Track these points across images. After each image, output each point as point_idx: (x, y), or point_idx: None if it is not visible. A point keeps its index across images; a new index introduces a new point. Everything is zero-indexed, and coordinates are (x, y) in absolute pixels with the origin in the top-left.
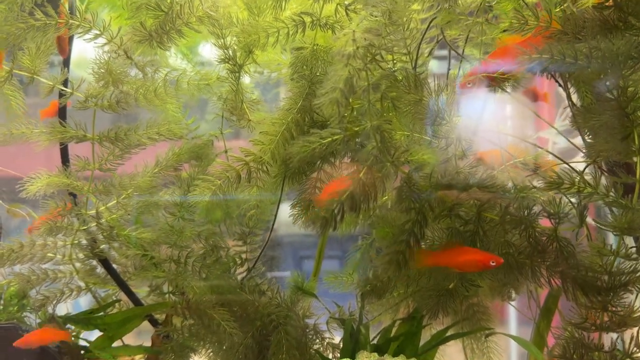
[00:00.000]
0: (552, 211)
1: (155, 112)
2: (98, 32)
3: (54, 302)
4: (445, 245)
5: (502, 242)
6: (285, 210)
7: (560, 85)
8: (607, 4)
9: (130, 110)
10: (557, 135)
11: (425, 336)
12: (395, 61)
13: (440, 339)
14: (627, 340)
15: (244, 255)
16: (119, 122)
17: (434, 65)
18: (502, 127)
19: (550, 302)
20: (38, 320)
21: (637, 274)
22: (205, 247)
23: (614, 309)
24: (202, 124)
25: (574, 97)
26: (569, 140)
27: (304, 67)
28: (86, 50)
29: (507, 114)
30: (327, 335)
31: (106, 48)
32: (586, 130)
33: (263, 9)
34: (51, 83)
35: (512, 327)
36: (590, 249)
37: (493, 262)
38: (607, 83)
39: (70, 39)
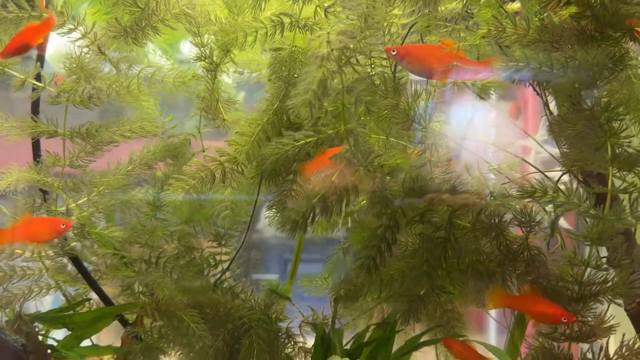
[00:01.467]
0: (523, 219)
1: (131, 109)
2: (72, 27)
3: (22, 300)
4: (525, 291)
5: (473, 250)
6: (263, 212)
7: (537, 93)
8: (584, 14)
9: (104, 106)
10: (541, 143)
11: (400, 342)
12: (374, 65)
13: (413, 345)
14: (597, 351)
15: (218, 257)
16: (105, 119)
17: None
18: (484, 135)
19: None
20: (5, 318)
21: (608, 285)
22: (179, 247)
23: (584, 319)
24: (184, 122)
25: (552, 107)
26: (546, 150)
27: (282, 68)
28: (64, 45)
29: (491, 122)
30: (300, 339)
31: (80, 43)
32: (562, 140)
33: (243, 8)
34: (22, 77)
35: (492, 334)
36: (562, 259)
37: (565, 319)
38: (582, 93)
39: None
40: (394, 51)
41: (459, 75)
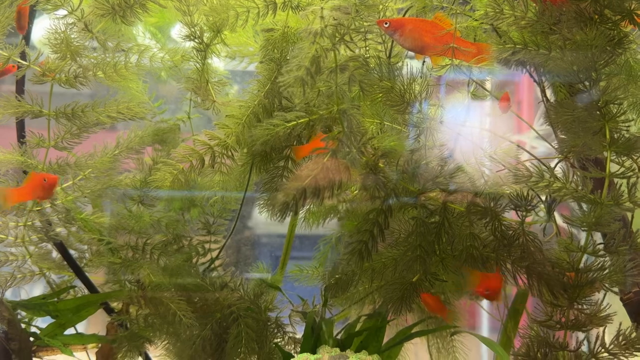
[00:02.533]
0: (518, 202)
1: (120, 93)
2: (58, 3)
3: (4, 287)
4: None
5: (468, 235)
6: (253, 201)
7: (534, 80)
8: None
9: (92, 88)
10: (535, 139)
11: (392, 334)
12: (368, 48)
13: (405, 336)
14: (593, 340)
15: (207, 246)
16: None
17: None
18: (480, 122)
19: (518, 303)
20: None
21: (604, 272)
22: (166, 234)
23: (580, 307)
24: (176, 113)
25: (549, 93)
26: (547, 141)
27: (274, 49)
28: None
29: (486, 111)
30: (289, 329)
31: (67, 21)
32: (559, 126)
33: None
34: (6, 54)
35: (484, 327)
36: (558, 245)
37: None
38: (581, 76)
39: (32, 15)
40: (386, 23)
41: (452, 54)
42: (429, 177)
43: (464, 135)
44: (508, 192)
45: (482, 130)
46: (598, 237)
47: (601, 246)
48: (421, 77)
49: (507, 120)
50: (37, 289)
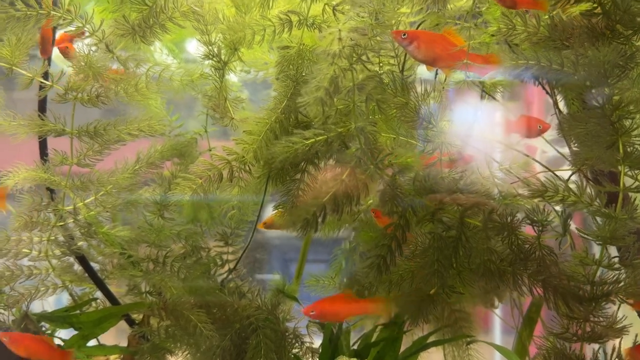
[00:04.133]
0: (535, 219)
1: (138, 107)
2: (80, 25)
3: (29, 300)
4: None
5: (485, 249)
6: (270, 212)
7: (547, 92)
8: (595, 11)
9: (115, 106)
10: (546, 143)
11: (407, 342)
12: (382, 64)
13: (421, 346)
14: (609, 352)
15: (225, 256)
16: (108, 118)
17: (422, 70)
18: (490, 133)
19: (532, 311)
20: (12, 318)
21: (620, 284)
22: (186, 247)
23: (595, 319)
24: (189, 121)
25: (561, 105)
26: (555, 149)
27: (290, 66)
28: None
29: (497, 121)
30: (306, 339)
31: (88, 41)
32: (572, 138)
33: (250, 6)
34: (30, 75)
35: (496, 334)
36: (573, 258)
37: None
38: (593, 91)
39: (53, 33)
40: (403, 34)
41: (464, 67)
42: (445, 191)
43: (478, 147)
44: (523, 203)
45: (495, 141)
46: (612, 248)
47: (616, 259)
48: (434, 90)
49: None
50: (50, 302)
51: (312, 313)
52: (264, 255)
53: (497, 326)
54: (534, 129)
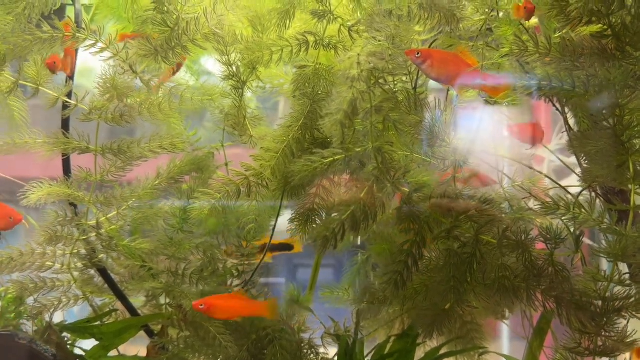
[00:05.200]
0: (548, 236)
1: (158, 124)
2: (104, 46)
3: (51, 311)
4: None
5: (499, 265)
6: (285, 224)
7: (558, 110)
8: (605, 33)
9: (134, 124)
10: (553, 154)
11: (419, 353)
12: (395, 82)
13: (434, 357)
14: None
15: (241, 268)
16: (118, 132)
17: (433, 86)
18: (498, 147)
19: (543, 322)
20: (34, 328)
21: (630, 300)
22: (203, 259)
23: (607, 334)
24: (201, 131)
25: (571, 122)
26: (561, 161)
27: (306, 85)
28: (89, 60)
29: (505, 133)
30: (321, 350)
31: (111, 62)
32: (583, 156)
33: (267, 27)
34: (56, 95)
35: (504, 342)
36: (585, 275)
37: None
38: (604, 111)
39: (75, 52)
40: (417, 53)
41: (477, 87)
42: (461, 210)
43: (488, 162)
44: (534, 219)
45: (503, 156)
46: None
47: (627, 275)
48: (446, 108)
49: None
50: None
51: (201, 307)
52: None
53: (505, 334)
54: (532, 134)
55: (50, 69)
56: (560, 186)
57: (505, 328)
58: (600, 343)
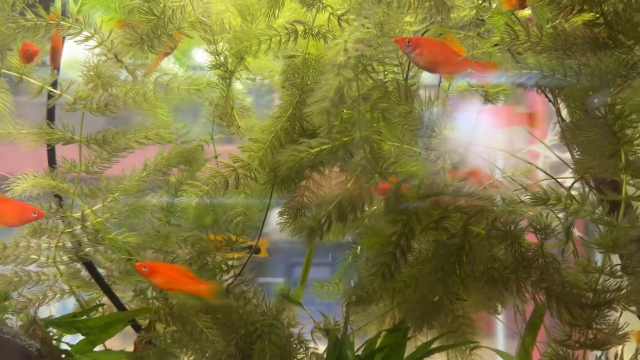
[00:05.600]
0: (538, 227)
1: (145, 115)
2: (89, 35)
3: (37, 305)
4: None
5: (488, 257)
6: (275, 217)
7: (549, 100)
8: (597, 21)
9: (120, 113)
10: (549, 149)
11: (411, 348)
12: (386, 72)
13: (425, 352)
14: (612, 359)
15: (230, 262)
16: (111, 124)
17: (426, 77)
18: (493, 140)
19: (535, 317)
20: (19, 323)
21: (622, 292)
22: (191, 253)
23: (598, 326)
24: (194, 127)
25: (564, 113)
26: (556, 156)
27: (295, 75)
28: (77, 52)
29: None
30: (311, 345)
31: (96, 51)
32: (574, 146)
33: (256, 16)
34: (40, 84)
35: (500, 339)
36: (576, 266)
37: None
38: (596, 100)
39: (63, 43)
40: (407, 42)
41: (465, 74)
42: (449, 201)
43: (481, 154)
44: (526, 211)
45: (497, 148)
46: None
47: (618, 267)
48: (437, 98)
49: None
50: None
51: (143, 269)
52: (267, 258)
53: (500, 330)
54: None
55: (23, 58)
56: (552, 177)
57: (500, 325)
58: (591, 336)
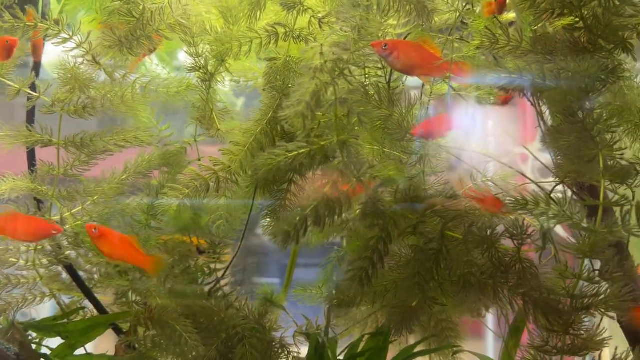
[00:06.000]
0: (514, 232)
1: (126, 118)
2: (67, 37)
3: (16, 309)
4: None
5: (465, 262)
6: (258, 222)
7: (532, 103)
8: (577, 25)
9: (100, 116)
10: (538, 152)
11: (395, 351)
12: (368, 75)
13: (407, 355)
14: None
15: (213, 266)
16: (103, 127)
17: (410, 81)
18: (481, 144)
19: (519, 321)
20: None
21: (600, 297)
22: (173, 256)
23: (575, 332)
24: (183, 131)
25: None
26: (538, 160)
27: (277, 78)
28: (62, 52)
29: (489, 131)
30: (294, 349)
31: (74, 52)
32: (556, 151)
33: (238, 18)
34: (17, 86)
35: (489, 343)
36: (554, 271)
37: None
38: (575, 104)
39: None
40: (385, 45)
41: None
42: (427, 205)
43: (463, 159)
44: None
45: (482, 153)
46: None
47: (596, 272)
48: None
49: (509, 134)
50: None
51: (93, 230)
52: (261, 260)
53: (489, 335)
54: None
55: (1, 51)
56: (534, 182)
57: (489, 332)
58: (568, 341)
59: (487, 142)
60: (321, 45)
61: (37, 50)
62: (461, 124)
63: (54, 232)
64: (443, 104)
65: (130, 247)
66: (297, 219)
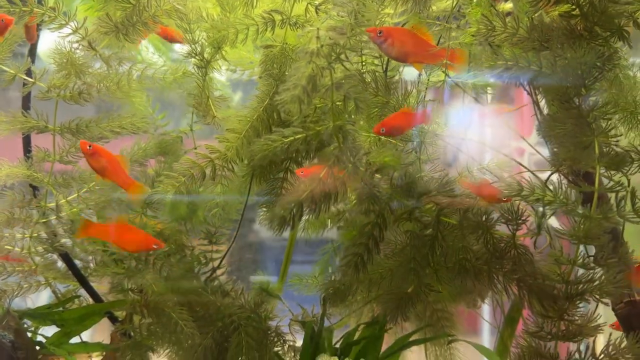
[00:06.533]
0: (509, 217)
1: (126, 106)
2: (63, 22)
3: (11, 296)
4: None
5: (461, 248)
6: (255, 210)
7: (528, 92)
8: (573, 13)
9: (97, 103)
10: (535, 145)
11: (391, 341)
12: (365, 63)
13: (402, 344)
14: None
15: (209, 255)
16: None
17: (407, 72)
18: (479, 136)
19: (514, 311)
20: None
21: (594, 283)
22: (169, 245)
23: (570, 318)
24: (181, 121)
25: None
26: (537, 152)
27: (273, 65)
28: (59, 40)
29: (487, 123)
30: (289, 337)
31: (70, 38)
32: (551, 139)
33: (235, 5)
34: (13, 71)
35: (485, 334)
36: (549, 257)
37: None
38: (570, 92)
39: (38, 25)
40: (379, 32)
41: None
42: (423, 191)
43: (461, 147)
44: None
45: (480, 142)
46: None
47: (591, 258)
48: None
49: (506, 127)
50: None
51: (88, 147)
52: (258, 256)
53: (486, 326)
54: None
55: None
56: (529, 170)
57: (485, 328)
58: (563, 327)
59: (484, 134)
60: (317, 29)
61: (30, 31)
62: (458, 115)
63: (154, 246)
64: (440, 94)
65: (118, 168)
66: (293, 203)
